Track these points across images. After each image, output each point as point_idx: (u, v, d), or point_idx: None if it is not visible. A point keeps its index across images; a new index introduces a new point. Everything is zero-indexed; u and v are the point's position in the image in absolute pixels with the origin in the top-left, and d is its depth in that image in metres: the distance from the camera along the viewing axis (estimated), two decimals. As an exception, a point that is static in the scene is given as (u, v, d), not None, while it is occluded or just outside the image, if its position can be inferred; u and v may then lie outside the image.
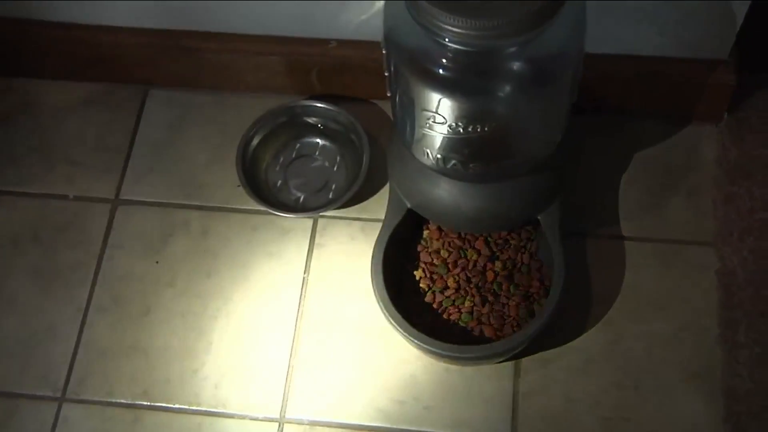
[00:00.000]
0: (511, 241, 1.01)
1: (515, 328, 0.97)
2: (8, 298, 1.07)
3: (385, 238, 0.97)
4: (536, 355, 0.99)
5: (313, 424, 0.99)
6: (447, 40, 0.74)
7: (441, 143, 0.85)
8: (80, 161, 1.15)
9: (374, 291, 0.96)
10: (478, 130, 0.82)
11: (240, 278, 1.06)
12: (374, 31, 0.82)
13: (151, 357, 1.03)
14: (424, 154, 0.88)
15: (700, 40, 1.01)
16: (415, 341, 0.93)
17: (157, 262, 1.08)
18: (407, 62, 0.79)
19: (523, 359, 0.99)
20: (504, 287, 0.99)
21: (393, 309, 0.94)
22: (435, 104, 0.80)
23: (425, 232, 1.03)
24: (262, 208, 1.07)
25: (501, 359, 0.98)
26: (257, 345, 1.03)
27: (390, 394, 0.99)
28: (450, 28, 0.72)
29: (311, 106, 1.11)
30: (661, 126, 1.10)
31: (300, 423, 0.99)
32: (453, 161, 0.87)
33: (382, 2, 0.81)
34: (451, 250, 1.01)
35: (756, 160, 1.05)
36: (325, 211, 1.07)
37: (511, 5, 0.72)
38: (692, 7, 0.96)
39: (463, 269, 1.00)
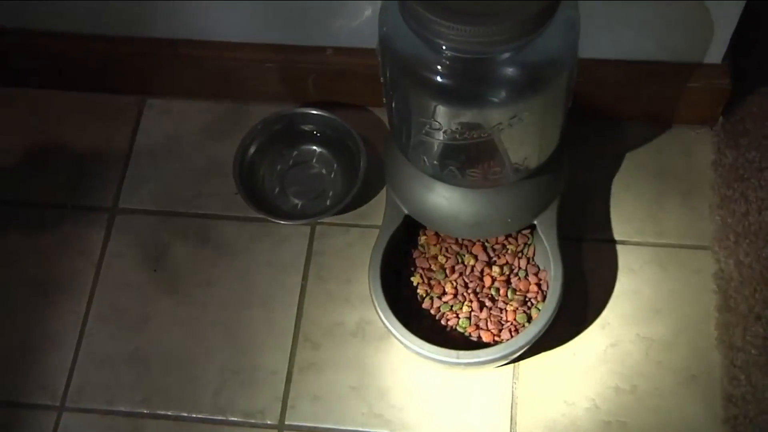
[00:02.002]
0: (508, 246, 1.02)
1: (513, 333, 0.97)
2: (7, 307, 1.07)
3: (383, 245, 0.97)
4: (534, 359, 1.00)
5: (313, 430, 0.99)
6: (442, 46, 0.75)
7: (437, 150, 0.85)
8: (78, 170, 1.15)
9: (372, 297, 0.96)
10: (474, 136, 0.82)
11: (239, 286, 1.07)
12: (370, 39, 0.82)
13: (150, 365, 1.03)
14: (421, 161, 0.88)
15: (694, 44, 1.01)
16: (413, 347, 0.94)
17: (155, 271, 1.08)
18: (402, 69, 0.79)
19: (521, 363, 1.00)
20: (501, 292, 0.99)
21: (391, 315, 0.94)
22: (431, 111, 0.80)
23: (422, 238, 1.03)
24: (260, 215, 1.07)
25: (499, 364, 0.98)
26: (256, 352, 1.03)
27: (389, 400, 0.99)
28: (444, 34, 0.72)
29: (308, 113, 1.12)
30: (656, 130, 1.10)
31: (299, 429, 0.99)
32: (449, 167, 0.87)
33: (378, 9, 0.81)
34: (448, 255, 1.01)
35: (751, 164, 1.06)
36: (322, 218, 1.08)
37: (506, 11, 0.72)
38: (686, 12, 0.96)
39: (460, 275, 1.00)
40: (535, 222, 0.97)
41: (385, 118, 0.89)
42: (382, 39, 0.80)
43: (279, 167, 1.13)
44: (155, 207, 1.12)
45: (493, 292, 0.99)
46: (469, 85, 0.79)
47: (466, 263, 1.01)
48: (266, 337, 1.04)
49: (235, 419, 1.00)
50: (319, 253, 1.07)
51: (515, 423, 0.97)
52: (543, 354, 1.00)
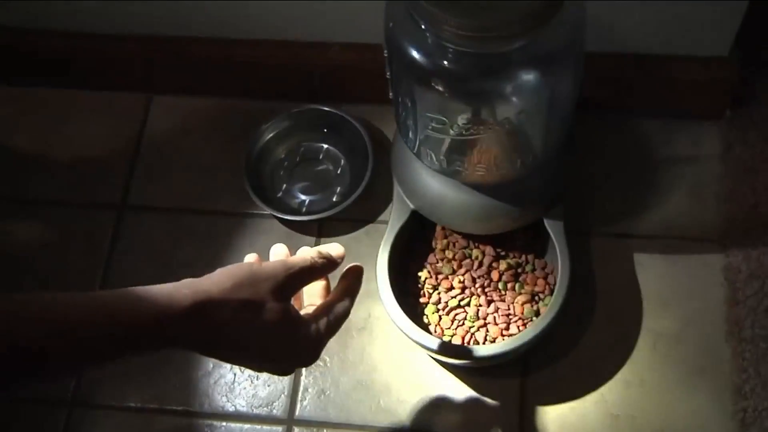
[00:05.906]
0: (515, 241, 1.01)
1: (521, 328, 0.97)
2: (17, 305, 1.08)
3: (390, 240, 0.98)
4: (543, 354, 1.00)
5: (321, 425, 0.99)
6: (448, 42, 0.75)
7: (444, 145, 0.85)
8: (86, 168, 1.15)
9: (380, 292, 0.96)
10: (481, 131, 0.82)
11: (247, 282, 1.07)
12: (376, 34, 0.82)
13: (160, 361, 1.03)
14: (427, 156, 0.88)
15: (702, 36, 1.01)
16: (421, 342, 0.94)
17: (164, 267, 1.09)
18: (409, 65, 0.79)
19: (530, 358, 1.00)
20: (509, 287, 0.99)
21: (398, 310, 0.95)
22: (437, 107, 0.80)
23: (430, 233, 1.03)
24: (268, 212, 1.07)
25: (507, 359, 0.98)
26: (265, 348, 1.03)
27: (397, 395, 1.00)
28: (451, 29, 0.72)
29: (314, 109, 1.12)
30: (664, 123, 1.10)
31: (308, 424, 0.99)
32: (456, 162, 0.87)
33: (384, 4, 0.81)
34: (455, 250, 1.01)
35: (759, 156, 1.06)
36: (329, 214, 1.08)
37: (512, 6, 0.72)
38: (693, 5, 0.96)
39: (468, 270, 1.00)
40: (543, 216, 0.97)
41: (391, 114, 0.89)
42: (388, 34, 0.80)
43: (287, 164, 1.13)
44: (163, 204, 1.12)
45: (500, 286, 0.99)
46: (475, 81, 0.79)
47: (473, 258, 1.01)
48: (275, 333, 1.04)
49: (244, 413, 1.00)
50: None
51: (524, 417, 0.97)
52: (551, 348, 1.00)
